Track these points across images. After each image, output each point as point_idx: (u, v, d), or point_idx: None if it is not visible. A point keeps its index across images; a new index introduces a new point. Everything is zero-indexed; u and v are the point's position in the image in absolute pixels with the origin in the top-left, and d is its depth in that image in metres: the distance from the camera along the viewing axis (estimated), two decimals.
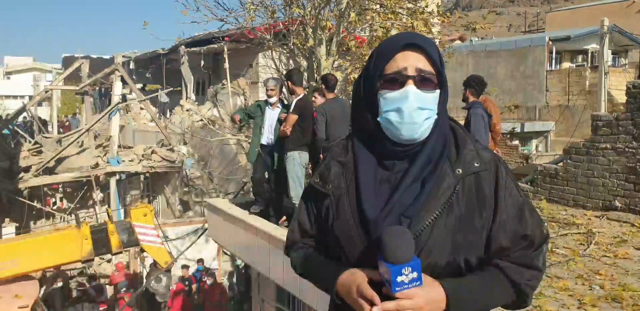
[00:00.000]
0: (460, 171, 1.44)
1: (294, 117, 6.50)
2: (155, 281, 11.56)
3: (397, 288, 1.29)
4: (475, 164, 1.45)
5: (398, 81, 1.42)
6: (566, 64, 25.26)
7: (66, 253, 9.29)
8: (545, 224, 1.55)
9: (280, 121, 6.86)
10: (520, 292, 1.45)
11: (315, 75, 9.64)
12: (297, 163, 6.47)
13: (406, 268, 1.28)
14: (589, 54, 25.60)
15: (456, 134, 1.52)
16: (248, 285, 11.03)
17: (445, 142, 1.48)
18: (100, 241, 9.35)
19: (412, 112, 1.40)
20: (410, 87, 1.41)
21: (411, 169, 1.45)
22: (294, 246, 1.70)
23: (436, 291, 1.34)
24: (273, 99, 6.90)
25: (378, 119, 1.46)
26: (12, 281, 8.92)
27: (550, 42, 23.72)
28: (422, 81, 1.42)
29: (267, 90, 6.94)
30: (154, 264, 11.18)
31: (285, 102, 7.24)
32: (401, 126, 1.42)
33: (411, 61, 1.42)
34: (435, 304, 1.33)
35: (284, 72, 11.80)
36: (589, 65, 24.29)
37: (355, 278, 1.39)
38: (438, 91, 1.45)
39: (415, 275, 1.29)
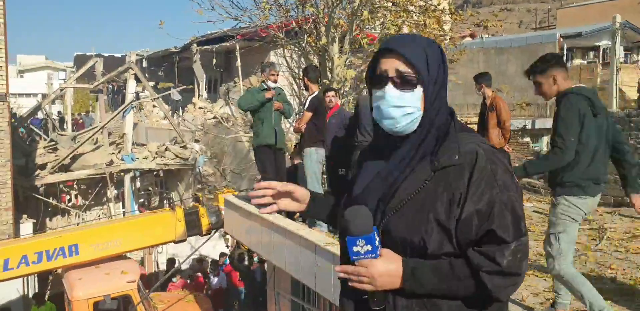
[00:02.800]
0: (437, 163, 1.54)
1: (308, 115, 6.59)
2: (238, 261, 12.74)
3: (353, 257, 1.50)
4: (455, 157, 1.52)
5: (380, 82, 1.61)
6: (577, 61, 25.19)
7: (162, 233, 10.11)
8: (523, 224, 1.50)
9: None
10: (479, 282, 1.46)
11: (328, 72, 9.76)
12: (315, 159, 6.57)
13: (360, 240, 1.48)
14: (601, 51, 25.49)
15: (448, 129, 1.61)
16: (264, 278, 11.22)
17: (427, 135, 1.59)
18: (192, 222, 10.16)
19: (388, 109, 1.58)
20: (387, 87, 1.59)
21: (392, 159, 1.63)
22: None
23: (393, 266, 1.49)
24: (277, 85, 7.00)
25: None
26: (115, 260, 9.89)
27: (561, 39, 23.64)
28: (402, 81, 1.58)
29: (273, 74, 6.92)
30: (237, 245, 12.16)
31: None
32: (381, 121, 1.61)
33: (390, 64, 1.59)
34: (390, 277, 1.49)
35: (296, 70, 11.94)
36: (601, 62, 24.19)
37: None
38: (418, 90, 1.58)
39: (369, 247, 1.48)
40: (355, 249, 1.48)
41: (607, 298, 4.36)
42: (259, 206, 1.81)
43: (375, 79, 1.62)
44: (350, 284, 1.53)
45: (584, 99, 3.65)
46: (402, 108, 1.57)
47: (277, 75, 7.02)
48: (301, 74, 11.39)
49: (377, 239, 1.49)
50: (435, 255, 1.50)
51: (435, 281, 1.48)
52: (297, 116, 11.37)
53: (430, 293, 1.50)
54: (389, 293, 1.52)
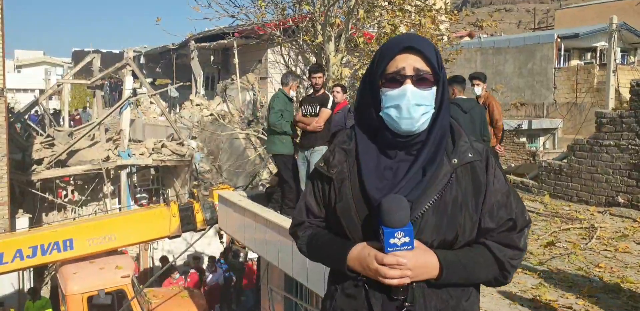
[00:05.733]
0: (456, 161, 1.61)
1: (329, 113, 6.55)
2: (233, 257, 12.66)
3: (389, 249, 1.47)
4: (469, 155, 1.62)
5: (397, 80, 1.59)
6: (574, 62, 25.25)
7: (156, 229, 10.16)
8: (527, 212, 1.71)
9: None
10: (502, 268, 1.61)
11: (325, 71, 9.80)
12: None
13: (399, 232, 1.46)
14: (598, 52, 25.56)
15: (452, 128, 1.69)
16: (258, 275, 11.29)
17: (444, 134, 1.65)
18: (186, 218, 10.23)
19: (409, 108, 1.57)
20: (408, 86, 1.57)
21: (418, 159, 1.61)
22: (301, 226, 1.83)
23: (428, 257, 1.52)
24: (294, 93, 7.05)
25: (380, 113, 1.63)
26: (109, 255, 9.95)
27: (559, 40, 23.72)
28: (419, 80, 1.58)
29: (294, 85, 6.97)
30: (232, 241, 12.27)
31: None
32: (400, 120, 1.58)
33: (409, 62, 1.58)
34: (426, 269, 1.52)
35: (293, 68, 11.98)
36: (598, 62, 24.26)
37: (368, 250, 1.56)
38: (434, 88, 1.61)
39: (407, 239, 1.47)
40: (392, 241, 1.47)
41: (593, 295, 4.43)
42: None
43: (391, 77, 1.59)
44: (382, 278, 1.50)
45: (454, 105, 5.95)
46: (422, 107, 1.58)
47: (298, 86, 7.05)
48: (307, 71, 11.45)
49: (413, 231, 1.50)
50: (465, 239, 1.61)
51: (468, 269, 1.57)
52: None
53: (458, 281, 1.57)
54: (412, 285, 1.53)
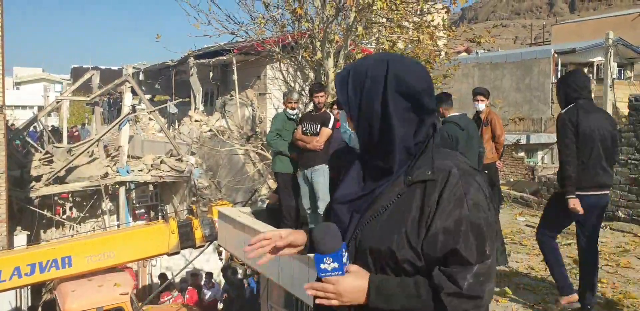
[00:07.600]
0: (410, 177, 1.55)
1: (330, 133, 6.50)
2: (232, 273, 12.65)
3: (321, 274, 1.52)
4: (427, 173, 1.53)
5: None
6: None
7: (155, 246, 10.13)
8: (488, 247, 1.48)
9: None
10: (439, 303, 1.46)
11: (326, 89, 9.83)
12: (327, 175, 6.48)
13: (327, 258, 1.50)
14: (595, 67, 25.73)
15: (426, 144, 1.62)
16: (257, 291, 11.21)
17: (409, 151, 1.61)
18: (185, 235, 10.19)
19: None
20: None
21: (371, 172, 1.68)
22: None
23: (360, 282, 1.52)
24: (295, 111, 7.04)
25: None
26: (108, 272, 9.93)
27: (556, 55, 23.89)
28: None
29: (290, 102, 6.94)
30: (231, 257, 12.23)
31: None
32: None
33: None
34: (357, 293, 1.51)
35: (292, 84, 12.03)
36: (595, 77, 24.40)
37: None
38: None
39: (336, 265, 1.51)
40: (322, 266, 1.51)
41: None
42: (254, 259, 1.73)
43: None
44: (317, 301, 1.54)
45: (451, 123, 5.71)
46: None
47: (295, 103, 7.02)
48: (305, 87, 11.48)
49: (345, 256, 1.52)
50: (408, 262, 1.51)
51: (398, 298, 1.49)
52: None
53: (392, 309, 1.51)
54: (352, 309, 1.55)
